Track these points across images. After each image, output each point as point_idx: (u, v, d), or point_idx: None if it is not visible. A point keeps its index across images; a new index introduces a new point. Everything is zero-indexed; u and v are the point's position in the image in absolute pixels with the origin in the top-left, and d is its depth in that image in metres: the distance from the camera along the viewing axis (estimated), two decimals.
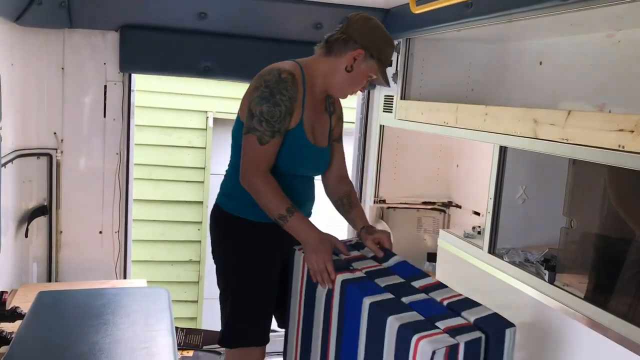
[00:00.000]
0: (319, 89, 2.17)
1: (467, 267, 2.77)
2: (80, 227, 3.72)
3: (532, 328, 2.36)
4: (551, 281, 2.23)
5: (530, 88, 3.18)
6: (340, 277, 1.92)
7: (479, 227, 2.93)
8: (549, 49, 3.05)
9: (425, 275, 1.97)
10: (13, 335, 2.43)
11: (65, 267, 3.71)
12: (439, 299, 1.81)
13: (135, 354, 2.22)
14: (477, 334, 1.58)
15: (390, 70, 3.75)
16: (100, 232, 3.75)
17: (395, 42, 3.67)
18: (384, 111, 3.84)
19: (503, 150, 2.55)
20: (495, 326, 1.63)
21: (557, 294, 2.17)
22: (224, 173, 2.27)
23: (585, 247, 2.32)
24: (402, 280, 1.92)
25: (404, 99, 3.60)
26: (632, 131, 1.79)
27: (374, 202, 4.08)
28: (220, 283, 2.23)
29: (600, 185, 2.23)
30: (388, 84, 2.24)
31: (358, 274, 1.95)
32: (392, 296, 1.81)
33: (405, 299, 1.79)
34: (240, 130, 2.07)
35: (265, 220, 2.07)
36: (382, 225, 4.11)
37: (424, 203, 4.19)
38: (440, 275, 3.09)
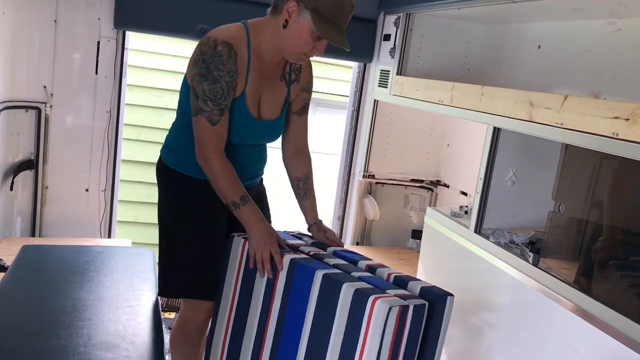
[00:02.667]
0: (269, 54, 2.00)
1: (452, 245, 2.80)
2: (66, 184, 3.69)
3: (513, 309, 2.40)
4: (535, 263, 2.25)
5: (526, 71, 3.18)
6: (288, 257, 1.94)
7: (467, 206, 2.95)
8: (548, 32, 3.04)
9: (368, 258, 2.04)
10: None
11: (49, 223, 3.70)
12: (384, 276, 1.90)
13: (119, 311, 2.22)
14: (422, 301, 1.74)
15: (388, 45, 3.73)
16: (87, 190, 3.73)
17: (395, 16, 3.68)
18: (379, 86, 3.82)
19: (496, 132, 2.56)
20: (437, 295, 1.78)
21: (540, 277, 2.20)
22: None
23: (571, 232, 2.34)
24: (347, 262, 1.98)
25: (400, 75, 3.58)
26: (628, 119, 1.79)
27: (363, 177, 4.08)
28: (161, 233, 2.16)
29: (591, 172, 2.24)
30: (344, 45, 1.91)
31: (304, 256, 1.98)
32: (341, 271, 1.87)
33: (354, 274, 1.86)
34: (187, 90, 1.98)
35: (205, 178, 2.01)
36: (369, 200, 4.13)
37: (413, 180, 4.20)
38: (425, 253, 3.12)
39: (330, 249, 2.09)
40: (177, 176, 2.09)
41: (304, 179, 2.24)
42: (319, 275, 1.84)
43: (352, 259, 2.01)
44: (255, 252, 1.95)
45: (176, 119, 2.13)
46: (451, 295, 1.79)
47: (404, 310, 1.68)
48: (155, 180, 2.20)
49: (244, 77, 1.96)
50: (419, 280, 1.88)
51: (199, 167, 1.99)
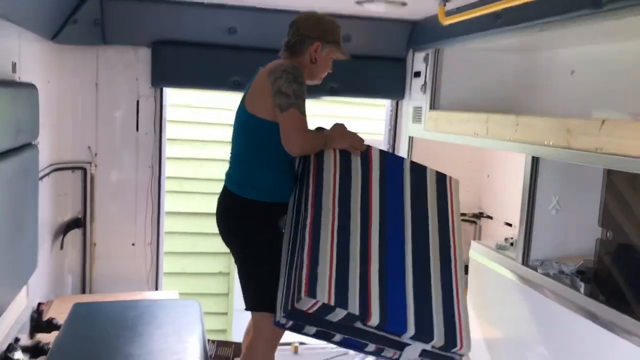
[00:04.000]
0: None
1: (500, 279, 2.74)
2: (113, 240, 3.78)
3: (568, 340, 2.32)
4: (587, 293, 2.19)
5: (562, 97, 3.14)
6: (376, 148, 2.46)
7: (512, 238, 2.90)
8: (581, 57, 3.01)
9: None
10: (50, 346, 2.47)
11: (98, 279, 3.78)
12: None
13: None
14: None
15: (419, 81, 3.76)
16: (133, 244, 3.81)
17: (424, 53, 3.72)
18: (413, 122, 3.83)
19: (535, 160, 2.52)
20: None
21: (594, 307, 2.13)
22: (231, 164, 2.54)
23: (622, 259, 2.27)
24: None
25: (433, 110, 3.58)
26: None
27: None
28: (247, 258, 2.44)
29: (637, 195, 2.18)
30: (349, 56, 2.60)
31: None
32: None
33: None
34: (259, 127, 2.35)
35: (276, 200, 2.46)
36: None
37: None
38: (473, 288, 3.05)
39: None
40: (265, 207, 2.43)
41: None
42: (407, 162, 2.52)
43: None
44: (347, 143, 2.41)
45: (250, 161, 2.45)
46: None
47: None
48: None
49: None
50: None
51: (283, 192, 2.45)
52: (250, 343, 2.50)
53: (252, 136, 2.41)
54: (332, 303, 2.06)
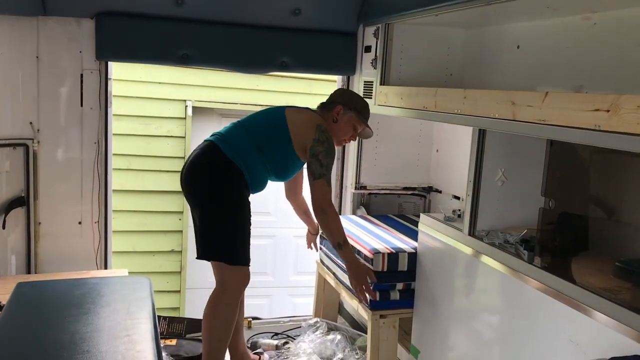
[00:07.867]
0: None
1: (448, 249, 2.80)
2: (59, 218, 3.68)
3: (512, 308, 2.39)
4: (530, 261, 2.25)
5: (508, 72, 3.20)
6: None
7: (459, 210, 2.95)
8: (526, 32, 3.07)
9: None
10: None
11: (44, 259, 3.68)
12: None
13: (117, 341, 2.20)
14: None
15: (370, 56, 3.76)
16: (80, 223, 3.71)
17: (374, 28, 3.72)
18: (363, 97, 3.83)
19: (482, 133, 2.57)
20: None
21: (536, 274, 2.20)
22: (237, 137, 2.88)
23: (563, 227, 2.35)
24: None
25: (384, 85, 3.60)
26: (608, 110, 1.80)
27: (355, 189, 4.09)
28: (222, 215, 2.77)
29: (577, 165, 2.25)
30: (371, 133, 3.20)
31: None
32: None
33: None
34: (285, 145, 2.89)
35: (252, 188, 2.88)
36: (361, 211, 4.13)
37: (405, 188, 4.21)
38: (422, 259, 3.11)
39: None
40: (238, 172, 2.79)
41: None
42: None
43: None
44: (356, 283, 2.94)
45: (254, 143, 2.85)
46: None
47: None
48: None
49: None
50: None
51: (248, 172, 2.81)
52: (216, 294, 2.81)
53: (275, 143, 2.88)
54: None
